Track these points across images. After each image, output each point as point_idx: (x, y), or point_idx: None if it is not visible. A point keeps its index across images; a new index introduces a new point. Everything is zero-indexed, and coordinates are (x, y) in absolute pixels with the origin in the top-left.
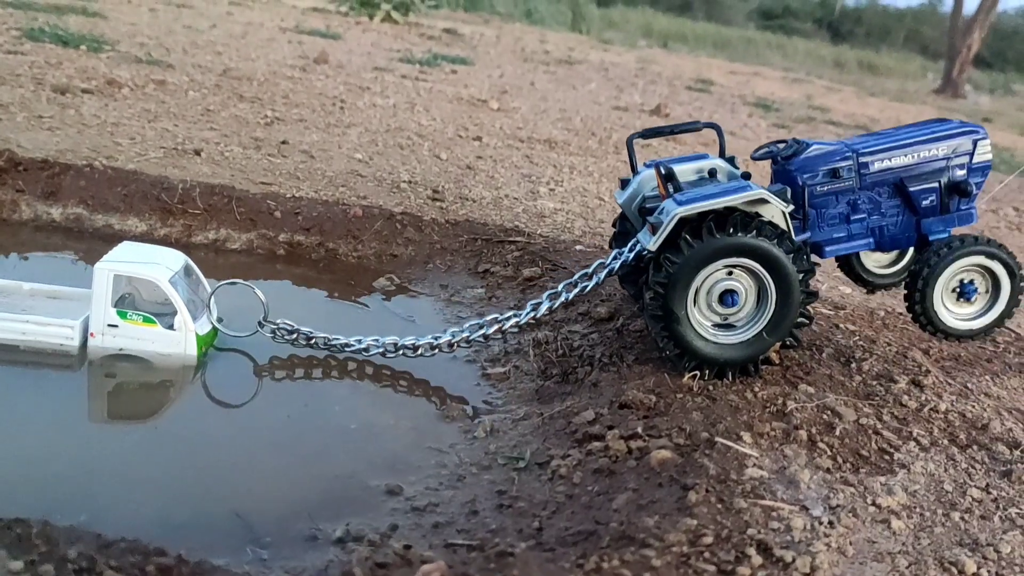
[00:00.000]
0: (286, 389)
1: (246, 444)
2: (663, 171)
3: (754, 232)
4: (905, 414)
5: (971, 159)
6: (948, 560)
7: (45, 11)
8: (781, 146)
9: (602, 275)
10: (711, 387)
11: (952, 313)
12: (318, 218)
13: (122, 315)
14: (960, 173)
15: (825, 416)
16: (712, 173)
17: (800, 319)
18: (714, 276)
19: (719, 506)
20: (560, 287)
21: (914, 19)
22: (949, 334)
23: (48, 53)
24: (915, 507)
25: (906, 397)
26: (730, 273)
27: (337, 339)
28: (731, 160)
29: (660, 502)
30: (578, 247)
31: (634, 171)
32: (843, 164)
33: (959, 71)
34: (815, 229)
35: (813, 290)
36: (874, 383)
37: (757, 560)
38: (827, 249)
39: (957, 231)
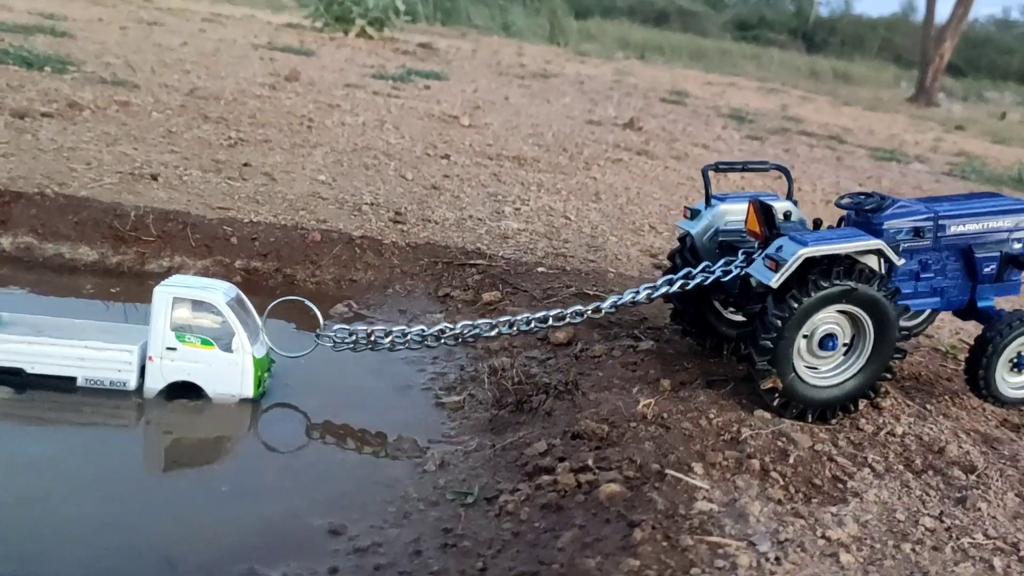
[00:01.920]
0: (228, 422)
1: (183, 484)
2: (761, 206)
3: (876, 286)
4: (861, 439)
5: None
6: None
7: (12, 31)
8: (863, 198)
9: (692, 283)
10: (665, 415)
11: (1007, 383)
12: (275, 243)
13: (180, 338)
14: (1018, 246)
15: (780, 443)
16: (787, 215)
17: (886, 373)
18: (824, 318)
19: (664, 544)
20: (659, 281)
21: (887, 28)
22: (1002, 402)
23: (11, 76)
24: (866, 539)
25: (863, 420)
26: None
27: (401, 330)
28: (795, 204)
29: (605, 540)
30: (540, 269)
31: (707, 202)
32: (926, 224)
33: (932, 79)
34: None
35: (903, 348)
36: None
37: None
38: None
39: (999, 301)
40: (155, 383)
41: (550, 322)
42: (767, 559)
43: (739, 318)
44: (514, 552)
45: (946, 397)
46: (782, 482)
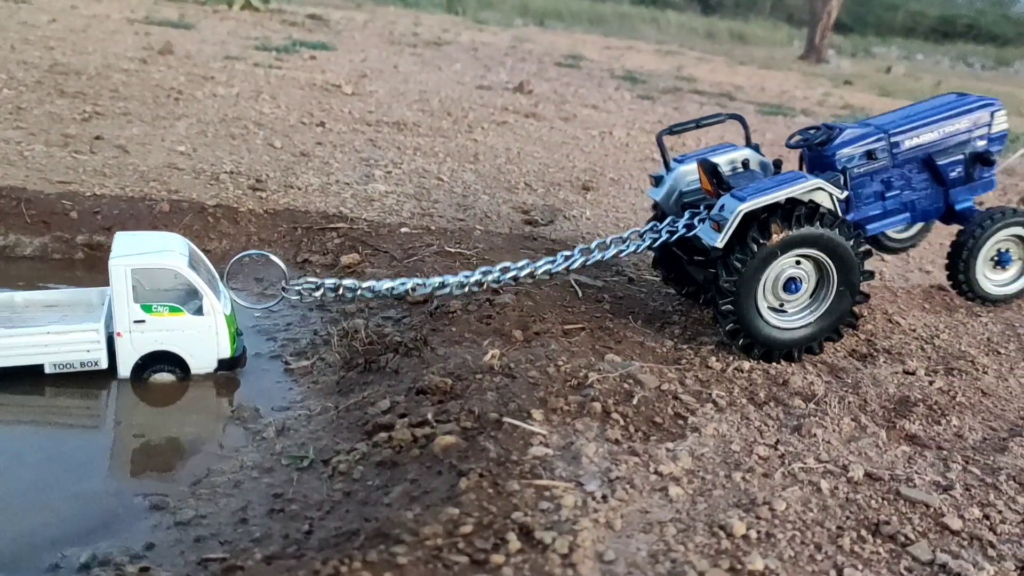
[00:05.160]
0: (48, 396)
1: None
2: (707, 166)
3: (818, 223)
4: (709, 376)
5: (989, 129)
6: (718, 524)
7: None
8: (813, 132)
9: (643, 245)
10: (513, 365)
11: (990, 280)
12: (120, 216)
13: (147, 309)
14: (981, 144)
15: (626, 385)
16: (745, 164)
17: (858, 298)
18: (781, 266)
19: (490, 491)
20: (628, 235)
21: None
22: (987, 299)
23: None
24: (698, 471)
25: (713, 359)
26: (798, 263)
27: (370, 285)
28: (756, 148)
29: (433, 492)
30: (403, 229)
31: (667, 167)
32: (877, 145)
33: (821, 37)
34: (855, 209)
35: (870, 270)
36: (684, 347)
37: (515, 545)
38: (868, 227)
39: (979, 199)
40: (128, 357)
41: (522, 278)
42: (593, 498)
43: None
44: (343, 512)
45: None
46: (622, 422)
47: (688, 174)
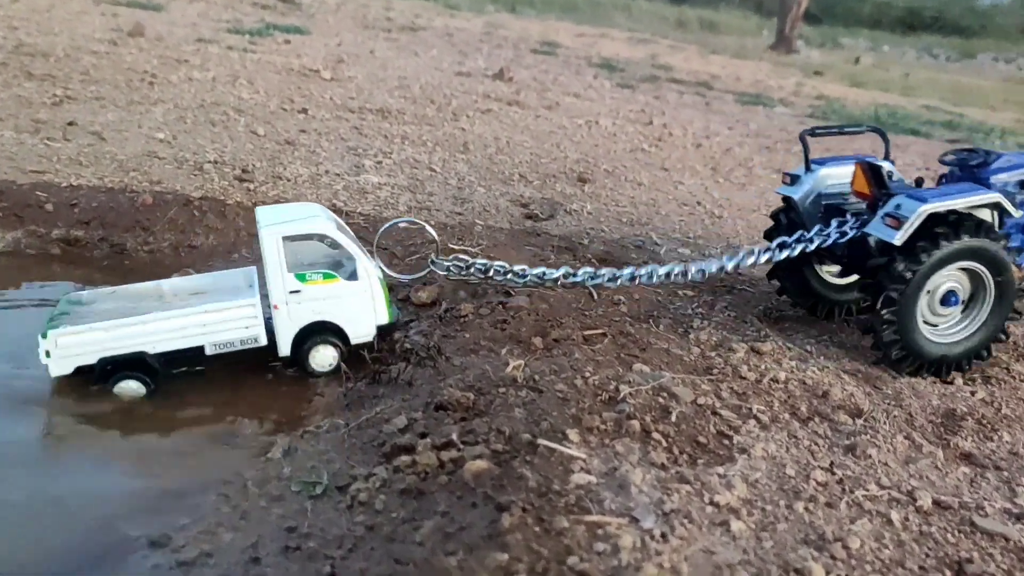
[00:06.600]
0: (29, 409)
1: None
2: (870, 167)
3: (993, 238)
4: (745, 388)
5: None
6: (793, 567)
7: None
8: (968, 153)
9: (813, 246)
10: (537, 376)
11: None
12: (99, 209)
13: (301, 278)
14: None
15: (661, 399)
16: (889, 175)
17: (1001, 335)
18: (943, 277)
19: (537, 529)
20: (774, 243)
21: None
22: None
23: None
24: (756, 500)
25: (745, 368)
26: (970, 276)
27: (522, 268)
28: (892, 163)
29: (470, 528)
30: (401, 224)
31: (807, 167)
32: None
33: (791, 27)
34: None
35: (1020, 309)
36: (712, 354)
37: None
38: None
39: None
40: (286, 331)
41: (675, 277)
42: (652, 537)
43: (839, 280)
44: (367, 550)
45: (826, 336)
46: (665, 443)
47: (829, 177)
